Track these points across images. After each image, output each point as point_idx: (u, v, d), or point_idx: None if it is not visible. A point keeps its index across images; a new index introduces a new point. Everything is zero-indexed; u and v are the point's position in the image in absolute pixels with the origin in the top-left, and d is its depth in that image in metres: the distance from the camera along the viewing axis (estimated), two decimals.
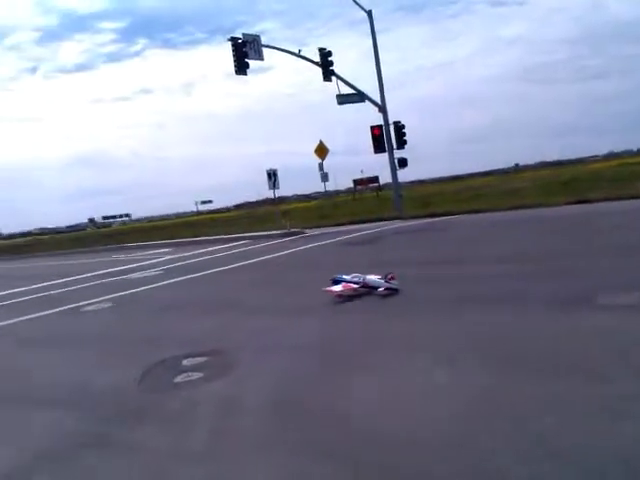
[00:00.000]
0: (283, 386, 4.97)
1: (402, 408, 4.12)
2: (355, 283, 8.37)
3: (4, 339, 9.38)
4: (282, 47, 25.03)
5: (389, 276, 8.23)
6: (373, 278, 8.40)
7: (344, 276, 8.55)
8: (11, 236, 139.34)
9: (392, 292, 8.04)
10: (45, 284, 16.01)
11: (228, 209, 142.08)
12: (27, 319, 10.60)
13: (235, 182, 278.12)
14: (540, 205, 19.97)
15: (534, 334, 5.38)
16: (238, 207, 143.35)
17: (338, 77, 25.12)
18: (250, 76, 24.36)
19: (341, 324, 7.07)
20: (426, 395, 4.28)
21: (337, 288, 8.26)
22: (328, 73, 24.97)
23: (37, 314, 10.94)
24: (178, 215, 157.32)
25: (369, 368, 5.10)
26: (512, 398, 3.94)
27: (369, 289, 8.28)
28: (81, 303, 11.49)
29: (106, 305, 11.05)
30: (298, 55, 24.88)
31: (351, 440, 3.67)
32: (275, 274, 12.83)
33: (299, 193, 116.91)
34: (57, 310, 11.16)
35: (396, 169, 26.07)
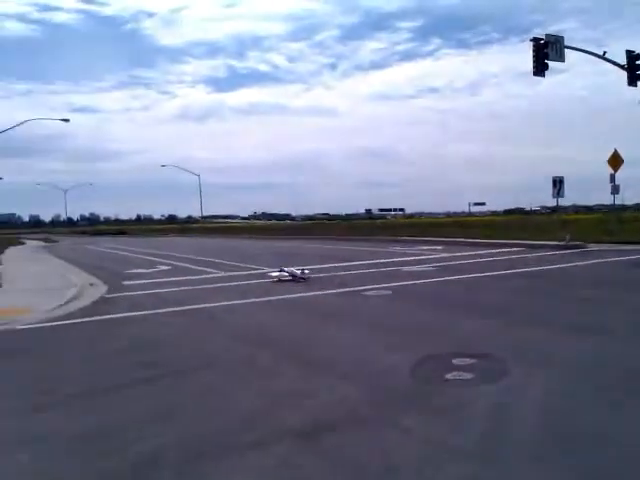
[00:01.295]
0: (554, 404, 4.85)
1: None
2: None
3: (293, 311, 10.67)
4: (581, 48, 23.65)
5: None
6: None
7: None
8: (297, 218, 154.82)
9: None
10: (329, 265, 17.68)
11: (498, 213, 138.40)
12: (311, 295, 11.95)
13: (510, 186, 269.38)
14: None
15: None
16: (508, 212, 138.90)
17: None
18: (541, 77, 23.50)
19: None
20: None
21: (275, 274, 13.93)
22: (634, 77, 22.82)
23: (324, 292, 12.27)
24: (448, 214, 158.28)
25: None
26: None
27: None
28: (364, 287, 12.50)
29: (386, 292, 11.82)
30: (602, 57, 23.19)
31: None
32: (551, 286, 12.32)
33: (578, 204, 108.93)
34: (342, 290, 12.33)
35: None
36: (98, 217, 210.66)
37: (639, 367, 5.93)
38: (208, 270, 18.29)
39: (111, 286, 14.49)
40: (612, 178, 26.22)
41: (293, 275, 14.00)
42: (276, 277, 14.18)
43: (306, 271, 14.35)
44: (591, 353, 6.53)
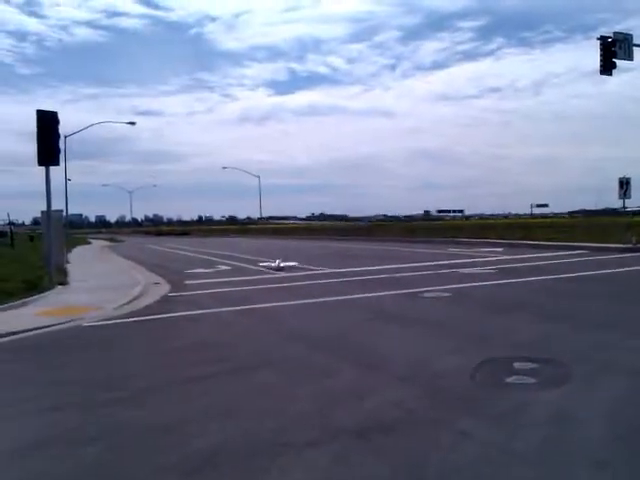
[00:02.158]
0: (618, 411, 4.71)
1: None
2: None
3: (352, 311, 10.69)
4: None
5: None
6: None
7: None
8: (353, 219, 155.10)
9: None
10: (387, 267, 17.63)
11: (561, 215, 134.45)
12: (370, 296, 11.94)
13: (574, 187, 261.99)
14: None
15: None
16: (572, 214, 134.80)
17: None
18: (606, 76, 22.73)
19: None
20: None
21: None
22: None
23: (381, 293, 12.25)
24: (509, 216, 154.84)
25: None
26: None
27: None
28: (422, 289, 12.43)
29: (445, 295, 11.70)
30: None
31: None
32: (616, 290, 11.91)
33: None
34: (400, 292, 12.29)
35: None
36: (161, 218, 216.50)
37: None
38: (267, 271, 18.54)
39: (174, 285, 14.90)
40: None
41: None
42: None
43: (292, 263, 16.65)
44: None
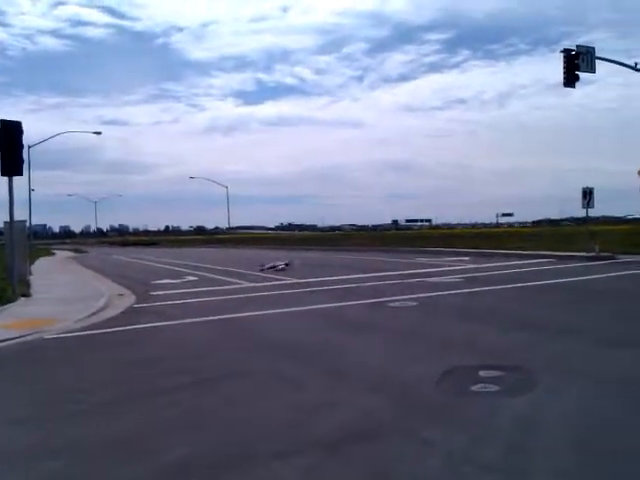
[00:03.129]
0: (581, 419, 4.79)
1: None
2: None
3: (320, 321, 10.68)
4: (612, 59, 23.42)
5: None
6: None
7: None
8: (323, 229, 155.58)
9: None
10: (355, 276, 17.68)
11: (526, 224, 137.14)
12: (337, 305, 11.94)
13: (538, 197, 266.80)
14: None
15: None
16: (536, 223, 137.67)
17: None
18: (570, 89, 23.25)
19: None
20: None
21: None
22: None
23: (348, 302, 12.26)
24: (476, 225, 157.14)
25: None
26: None
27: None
28: (389, 298, 12.49)
29: (411, 304, 11.78)
30: (633, 68, 22.92)
31: None
32: (581, 298, 12.16)
33: (607, 215, 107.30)
34: (367, 302, 12.31)
35: None
36: (127, 228, 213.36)
37: None
38: (234, 281, 18.43)
39: (139, 296, 14.69)
40: None
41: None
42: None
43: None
44: (621, 367, 6.42)
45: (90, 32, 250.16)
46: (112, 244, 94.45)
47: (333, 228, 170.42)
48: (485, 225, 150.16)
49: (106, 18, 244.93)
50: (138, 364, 7.48)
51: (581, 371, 6.25)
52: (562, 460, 3.98)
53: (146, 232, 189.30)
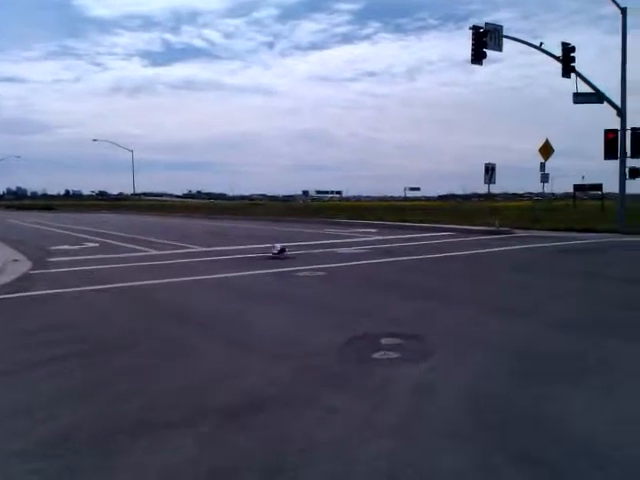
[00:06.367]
0: (476, 385, 4.96)
1: None
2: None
3: (226, 290, 10.54)
4: (519, 38, 24.27)
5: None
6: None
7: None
8: (233, 198, 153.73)
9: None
10: (262, 245, 17.55)
11: (432, 199, 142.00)
12: (244, 274, 11.82)
13: (444, 172, 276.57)
14: None
15: None
16: (442, 198, 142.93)
17: (578, 75, 23.58)
18: (476, 66, 23.91)
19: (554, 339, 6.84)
20: None
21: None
22: (568, 69, 23.58)
23: (255, 271, 12.15)
24: (384, 198, 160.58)
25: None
26: None
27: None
28: (296, 268, 12.48)
29: (319, 273, 11.83)
30: (538, 48, 23.78)
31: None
32: (479, 270, 12.68)
33: (508, 192, 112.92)
34: (274, 271, 12.26)
35: (625, 179, 23.92)
36: (25, 191, 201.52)
37: (558, 350, 6.15)
38: (138, 248, 17.84)
39: (36, 262, 13.89)
40: (542, 167, 27.18)
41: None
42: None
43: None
44: (516, 335, 6.71)
45: None
46: (8, 207, 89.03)
47: (243, 197, 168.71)
48: (394, 198, 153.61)
49: None
50: (26, 334, 7.02)
51: (478, 339, 6.47)
52: (456, 424, 4.09)
53: (45, 196, 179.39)
